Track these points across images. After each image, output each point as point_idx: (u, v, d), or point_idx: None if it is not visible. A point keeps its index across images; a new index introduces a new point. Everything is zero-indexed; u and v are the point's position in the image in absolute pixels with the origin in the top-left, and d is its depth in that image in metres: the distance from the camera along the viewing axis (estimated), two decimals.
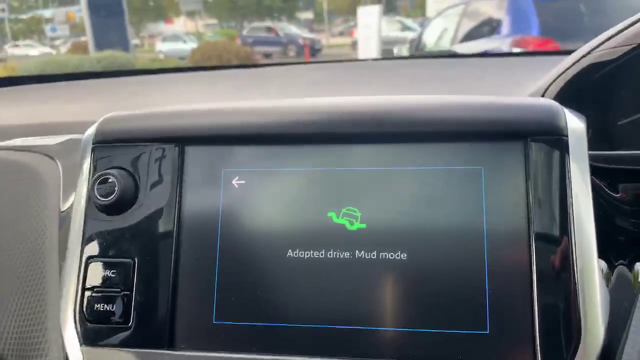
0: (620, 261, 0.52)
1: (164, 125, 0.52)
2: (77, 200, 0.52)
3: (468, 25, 4.31)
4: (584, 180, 0.46)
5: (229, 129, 0.51)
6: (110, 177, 0.50)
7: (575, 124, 0.48)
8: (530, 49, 3.46)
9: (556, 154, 0.46)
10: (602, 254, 0.47)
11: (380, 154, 0.49)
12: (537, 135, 0.47)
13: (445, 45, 4.44)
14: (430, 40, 4.93)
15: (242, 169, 0.51)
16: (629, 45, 0.56)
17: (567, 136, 0.47)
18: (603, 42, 0.59)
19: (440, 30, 4.80)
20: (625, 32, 0.57)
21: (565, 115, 0.48)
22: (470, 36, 4.20)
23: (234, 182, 0.50)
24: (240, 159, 0.51)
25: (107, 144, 0.53)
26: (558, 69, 0.64)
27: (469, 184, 0.47)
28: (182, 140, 0.52)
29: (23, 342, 0.57)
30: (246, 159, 0.51)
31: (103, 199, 0.50)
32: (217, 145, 0.51)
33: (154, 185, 0.51)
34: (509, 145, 0.47)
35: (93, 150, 0.53)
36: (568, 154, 0.46)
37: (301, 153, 0.50)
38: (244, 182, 0.50)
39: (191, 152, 0.51)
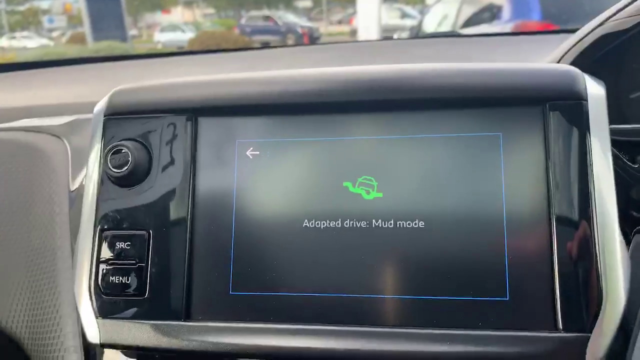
0: (637, 232, 0.52)
1: (176, 96, 0.52)
2: (90, 173, 0.52)
3: (468, 11, 4.28)
4: (605, 148, 0.45)
5: (242, 99, 0.50)
6: (124, 148, 0.49)
7: (595, 89, 0.47)
8: None
9: (576, 119, 0.45)
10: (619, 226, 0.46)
11: (396, 122, 0.48)
12: (556, 100, 0.46)
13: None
14: (431, 27, 4.90)
15: (256, 139, 0.50)
16: None
17: (586, 101, 0.46)
18: (618, 12, 0.58)
19: (440, 16, 4.76)
20: (638, 1, 0.56)
21: (584, 80, 0.47)
22: (470, 22, 4.16)
23: (248, 153, 0.50)
24: (254, 129, 0.50)
25: (118, 116, 0.52)
26: (572, 40, 0.64)
27: (487, 150, 0.46)
28: (195, 111, 0.51)
29: (37, 318, 0.57)
30: (260, 130, 0.50)
31: (116, 171, 0.49)
32: (231, 116, 0.51)
33: (167, 157, 0.50)
34: (528, 110, 0.46)
35: (105, 122, 0.52)
36: (588, 120, 0.45)
37: (315, 122, 0.49)
38: (258, 152, 0.50)
39: (204, 123, 0.51)
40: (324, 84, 0.49)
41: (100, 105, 0.54)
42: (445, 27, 4.45)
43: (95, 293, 0.49)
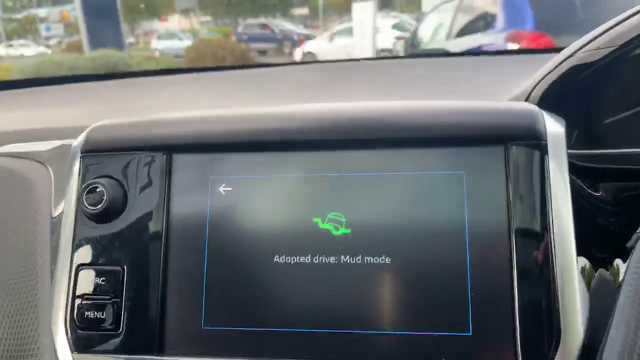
0: (601, 260, 0.53)
1: (151, 134, 0.53)
2: (67, 208, 0.53)
3: (463, 20, 4.31)
4: (563, 183, 0.47)
5: (216, 136, 0.52)
6: (99, 186, 0.50)
7: (554, 128, 0.48)
8: (524, 43, 3.47)
9: (536, 158, 0.47)
10: (584, 253, 0.47)
11: (364, 160, 0.50)
12: (517, 140, 0.48)
13: (441, 40, 4.44)
14: (426, 35, 4.93)
15: (228, 176, 0.51)
16: (610, 47, 0.57)
17: (546, 140, 0.47)
18: (585, 44, 0.60)
19: (435, 25, 4.80)
20: (606, 34, 0.57)
21: (544, 119, 0.48)
22: (465, 31, 4.20)
23: (220, 189, 0.51)
24: (227, 166, 0.51)
25: (95, 152, 0.53)
26: (542, 71, 0.65)
27: (451, 188, 0.48)
28: (170, 148, 0.52)
29: (15, 347, 0.58)
30: (232, 166, 0.51)
31: (92, 208, 0.50)
32: (204, 153, 0.52)
33: (142, 193, 0.52)
34: (490, 150, 0.48)
35: (82, 159, 0.54)
36: (547, 158, 0.47)
37: (286, 160, 0.51)
38: (230, 189, 0.51)
39: (179, 159, 0.52)
40: (293, 122, 0.51)
41: (78, 141, 0.55)
42: (440, 36, 4.49)
43: (71, 327, 0.50)
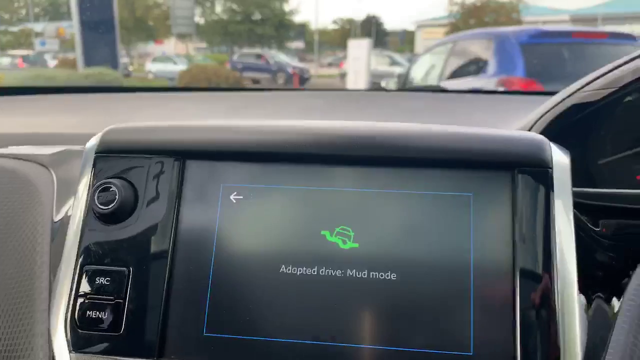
0: (598, 294, 0.55)
1: (166, 139, 0.54)
2: (76, 207, 0.53)
3: (455, 63, 4.41)
4: (567, 212, 0.48)
5: (230, 145, 0.53)
6: (112, 186, 0.51)
7: (560, 158, 0.50)
8: (514, 88, 3.56)
9: (541, 185, 0.49)
10: (581, 287, 0.49)
11: (375, 176, 0.51)
12: (524, 167, 0.49)
13: (433, 81, 4.53)
14: (418, 75, 5.03)
15: (240, 184, 0.52)
16: (611, 88, 0.59)
17: (552, 168, 0.49)
18: (587, 84, 0.63)
19: (428, 66, 4.90)
20: (608, 75, 0.60)
21: (551, 148, 0.50)
22: (457, 74, 4.29)
23: (231, 197, 0.52)
24: (239, 175, 0.52)
25: (109, 154, 0.54)
26: (544, 107, 0.68)
27: (458, 209, 0.49)
28: (184, 154, 0.53)
29: (9, 347, 0.57)
30: (244, 176, 0.52)
31: (103, 207, 0.50)
32: (217, 161, 0.53)
33: (153, 197, 0.52)
34: (498, 174, 0.50)
35: (95, 159, 0.54)
36: (552, 186, 0.49)
37: (298, 172, 0.52)
38: (241, 197, 0.52)
39: (191, 166, 0.53)
40: (307, 136, 0.52)
41: (92, 142, 0.55)
42: (432, 77, 4.58)
43: (71, 327, 0.49)
